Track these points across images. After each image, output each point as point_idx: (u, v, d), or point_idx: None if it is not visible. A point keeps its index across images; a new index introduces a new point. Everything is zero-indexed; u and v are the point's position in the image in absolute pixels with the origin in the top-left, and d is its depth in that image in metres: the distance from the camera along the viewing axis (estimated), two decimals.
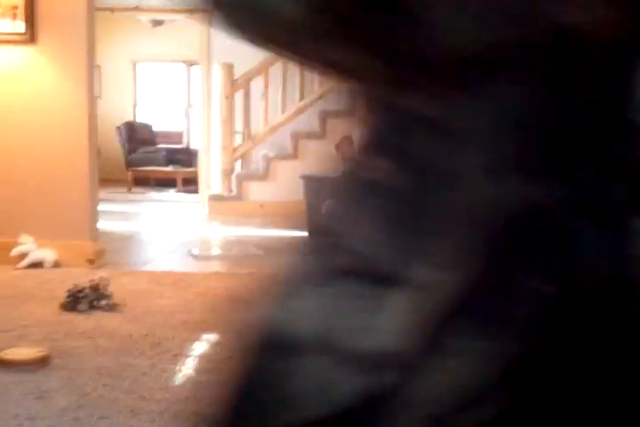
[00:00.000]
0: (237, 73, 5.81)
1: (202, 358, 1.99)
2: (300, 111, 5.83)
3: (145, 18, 7.72)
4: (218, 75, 5.81)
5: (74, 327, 2.25)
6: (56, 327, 2.24)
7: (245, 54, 5.93)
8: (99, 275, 2.60)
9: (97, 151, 3.28)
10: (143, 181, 8.62)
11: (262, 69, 5.79)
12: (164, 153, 8.95)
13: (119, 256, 3.66)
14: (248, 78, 5.80)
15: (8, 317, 2.35)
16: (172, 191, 8.32)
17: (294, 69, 5.80)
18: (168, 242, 4.37)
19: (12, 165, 3.21)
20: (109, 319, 2.35)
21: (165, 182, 8.65)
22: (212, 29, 6.38)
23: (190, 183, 8.53)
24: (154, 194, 8.10)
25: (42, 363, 1.86)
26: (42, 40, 3.12)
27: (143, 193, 8.08)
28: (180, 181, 8.38)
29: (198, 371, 1.87)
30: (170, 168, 8.69)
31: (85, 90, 3.14)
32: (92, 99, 3.19)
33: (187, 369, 1.89)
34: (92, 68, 3.17)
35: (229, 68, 5.73)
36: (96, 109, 3.25)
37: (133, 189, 8.23)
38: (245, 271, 3.28)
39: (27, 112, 3.18)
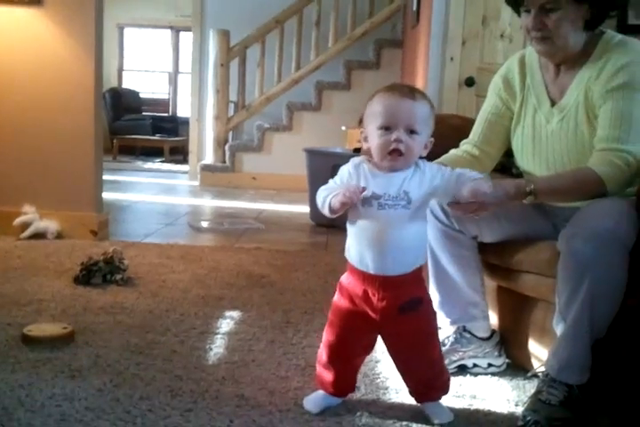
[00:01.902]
0: (232, 41, 5.66)
1: (230, 335, 1.94)
2: (295, 82, 5.72)
3: None
4: (212, 41, 5.65)
5: (91, 302, 2.18)
6: (72, 302, 2.18)
7: (240, 21, 5.82)
8: (111, 248, 2.52)
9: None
10: (128, 150, 8.46)
11: (259, 37, 5.66)
12: (150, 121, 8.77)
13: (119, 228, 3.58)
14: (245, 46, 5.67)
15: (21, 290, 2.27)
16: (158, 160, 8.17)
17: (291, 38, 5.68)
18: (164, 213, 4.28)
19: (14, 132, 3.09)
20: (126, 294, 2.29)
21: (151, 151, 8.50)
22: None
23: (177, 153, 8.39)
24: (140, 163, 7.95)
25: (68, 340, 1.80)
26: (48, 1, 2.98)
27: (129, 162, 7.93)
28: (166, 151, 8.22)
29: (229, 349, 1.83)
30: (156, 137, 8.52)
31: (92, 54, 3.01)
32: (100, 64, 3.06)
33: (217, 347, 1.84)
34: (100, 32, 3.04)
35: (225, 34, 5.58)
36: (102, 75, 3.12)
37: (118, 158, 8.07)
38: (251, 246, 3.24)
39: (31, 76, 3.05)
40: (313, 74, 5.73)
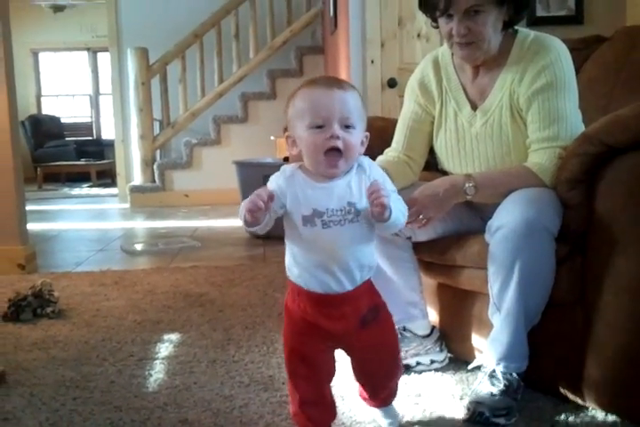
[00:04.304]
0: (151, 58, 5.58)
1: (170, 359, 1.89)
2: (220, 95, 5.68)
3: (44, 3, 7.26)
4: (131, 60, 5.55)
5: (22, 339, 2.09)
6: (2, 340, 2.07)
7: (158, 38, 5.74)
8: (40, 280, 2.42)
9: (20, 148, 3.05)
10: (53, 177, 8.23)
11: (178, 53, 5.60)
12: (74, 146, 8.57)
13: (48, 259, 3.46)
14: (164, 63, 5.59)
15: None
16: (85, 186, 7.97)
17: (212, 52, 5.64)
18: (95, 240, 4.16)
19: None
20: (58, 327, 2.20)
21: (78, 177, 8.30)
22: (120, 13, 6.10)
23: (105, 176, 8.21)
24: (67, 190, 7.74)
25: None
26: None
27: (56, 190, 7.71)
28: (94, 175, 8.04)
29: (170, 374, 1.77)
30: (82, 162, 8.32)
31: (4, 83, 2.90)
32: (12, 92, 2.95)
33: (157, 373, 1.78)
34: (10, 58, 2.93)
35: (144, 52, 5.50)
36: (16, 103, 3.01)
37: (44, 186, 7.83)
38: (188, 265, 3.18)
39: None
40: (237, 86, 5.70)
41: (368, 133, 1.27)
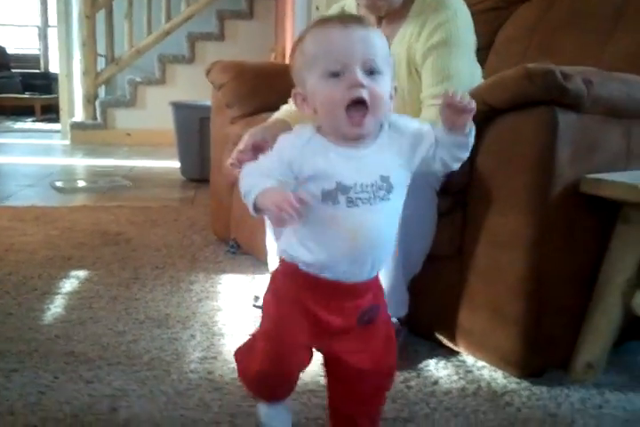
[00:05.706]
0: None
1: (71, 295, 1.92)
2: (166, 33, 5.53)
3: None
4: None
5: None
6: None
7: None
8: None
9: None
10: None
11: None
12: (20, 78, 8.28)
13: None
14: None
15: None
16: (30, 120, 7.76)
17: None
18: (28, 175, 4.09)
19: None
20: None
21: (22, 111, 8.06)
22: None
23: (50, 111, 8.00)
24: (10, 123, 7.53)
25: None
26: None
27: None
28: (38, 109, 7.82)
29: (68, 309, 1.81)
30: (27, 95, 8.08)
31: None
32: None
33: (56, 307, 1.81)
34: None
35: None
36: None
37: None
38: (114, 204, 3.17)
39: None
40: (184, 25, 5.56)
41: (396, 84, 1.02)
